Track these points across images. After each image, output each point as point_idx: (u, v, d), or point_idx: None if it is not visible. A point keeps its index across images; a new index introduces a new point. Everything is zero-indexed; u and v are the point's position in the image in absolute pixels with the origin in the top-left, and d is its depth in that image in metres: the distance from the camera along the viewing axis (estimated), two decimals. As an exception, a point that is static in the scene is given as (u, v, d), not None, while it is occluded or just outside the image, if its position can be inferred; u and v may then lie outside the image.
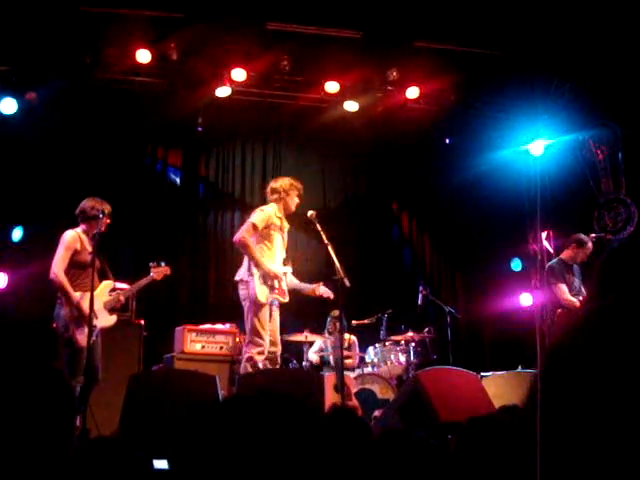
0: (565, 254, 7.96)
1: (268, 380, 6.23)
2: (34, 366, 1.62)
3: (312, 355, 9.13)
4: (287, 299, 6.96)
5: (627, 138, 9.24)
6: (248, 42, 8.88)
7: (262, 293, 6.68)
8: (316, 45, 9.03)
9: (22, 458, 1.42)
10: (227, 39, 8.78)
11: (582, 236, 7.99)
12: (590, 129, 9.51)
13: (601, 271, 1.70)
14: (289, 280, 7.05)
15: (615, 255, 1.72)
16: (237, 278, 6.92)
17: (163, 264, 6.98)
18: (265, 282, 6.72)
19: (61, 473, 1.48)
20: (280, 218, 7.00)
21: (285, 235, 7.10)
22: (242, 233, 6.81)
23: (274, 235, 6.92)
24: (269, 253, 6.88)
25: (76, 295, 6.23)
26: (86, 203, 6.48)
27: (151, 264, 6.97)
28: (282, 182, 7.08)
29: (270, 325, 6.82)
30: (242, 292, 6.82)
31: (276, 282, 6.80)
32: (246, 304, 6.78)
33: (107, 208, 6.45)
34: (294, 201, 7.05)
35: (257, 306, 6.68)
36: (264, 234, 6.86)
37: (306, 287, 7.20)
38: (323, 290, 7.12)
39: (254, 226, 6.79)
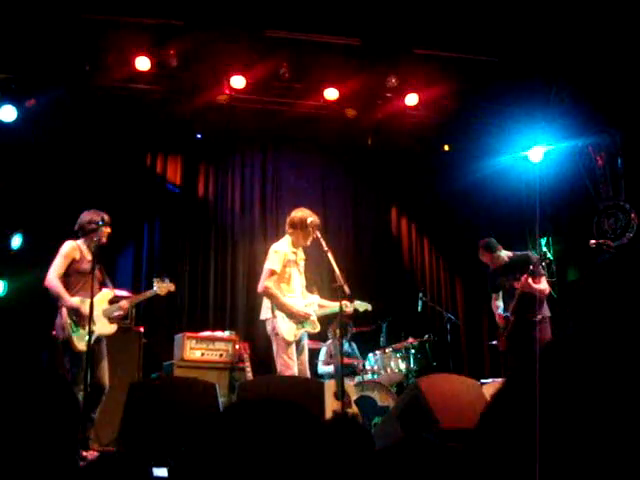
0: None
1: (268, 387, 6.22)
2: (36, 373, 1.61)
3: (322, 366, 9.11)
4: (318, 328, 7.02)
5: (626, 144, 9.25)
6: (247, 49, 8.89)
7: (289, 332, 6.72)
8: (315, 52, 9.05)
9: (25, 465, 1.41)
10: (226, 46, 8.79)
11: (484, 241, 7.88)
12: (589, 135, 9.52)
13: (588, 282, 1.70)
14: (317, 309, 7.04)
15: (603, 268, 1.72)
16: (262, 318, 6.96)
17: (167, 280, 6.98)
18: (291, 319, 6.77)
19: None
20: (295, 252, 6.98)
21: (301, 266, 7.07)
22: (264, 283, 6.79)
23: (291, 271, 6.91)
24: (289, 289, 6.90)
25: (74, 299, 6.25)
26: (83, 218, 6.52)
27: (155, 279, 6.98)
28: (301, 215, 6.96)
29: (301, 357, 6.86)
30: (268, 329, 6.86)
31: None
32: (274, 341, 6.80)
33: (105, 217, 6.46)
34: (309, 236, 6.92)
35: (285, 343, 6.71)
36: (281, 274, 6.85)
37: (335, 309, 6.96)
38: (353, 308, 7.16)
39: (272, 272, 6.79)
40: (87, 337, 6.05)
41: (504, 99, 9.76)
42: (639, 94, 8.50)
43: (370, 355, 9.03)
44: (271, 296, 6.80)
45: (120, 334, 6.96)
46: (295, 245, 6.99)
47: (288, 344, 6.70)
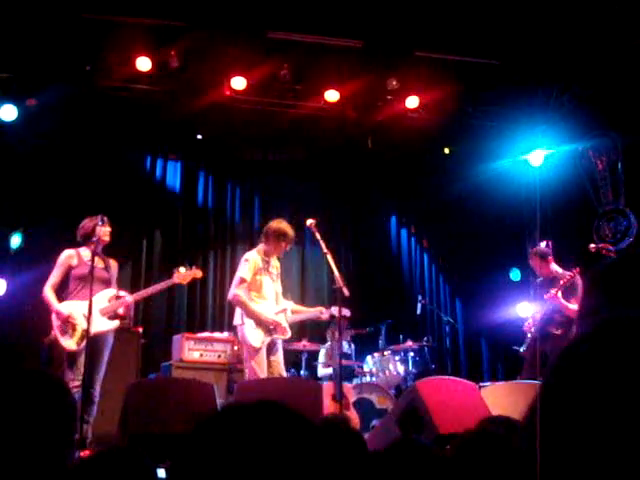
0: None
1: (266, 389, 6.22)
2: (32, 374, 1.61)
3: (322, 368, 9.14)
4: (289, 334, 7.09)
5: (627, 148, 9.24)
6: (248, 51, 8.89)
7: (256, 338, 6.83)
8: (316, 54, 9.04)
9: (22, 468, 1.41)
10: (227, 48, 8.79)
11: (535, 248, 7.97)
12: (590, 139, 9.51)
13: (602, 283, 1.69)
14: (290, 315, 7.20)
15: (616, 267, 1.71)
16: (234, 324, 7.14)
17: (194, 267, 7.05)
18: (259, 326, 6.88)
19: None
20: (267, 261, 7.12)
21: (275, 274, 7.20)
22: (234, 290, 6.97)
23: (262, 279, 7.04)
24: (260, 296, 7.03)
25: (60, 305, 6.44)
26: (79, 226, 6.67)
27: (175, 269, 7.02)
28: (275, 226, 7.13)
29: (275, 359, 6.95)
30: (239, 335, 7.07)
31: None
32: (243, 347, 7.03)
33: (96, 220, 6.52)
34: (280, 248, 7.13)
35: (253, 350, 6.83)
36: (252, 282, 6.99)
37: (310, 315, 7.48)
38: (330, 313, 7.29)
39: (243, 280, 6.95)
40: (77, 338, 6.18)
41: (504, 102, 9.76)
42: (639, 97, 8.50)
43: (369, 357, 9.03)
44: (240, 303, 6.93)
45: (119, 334, 6.97)
46: (267, 254, 7.13)
47: (256, 351, 6.80)
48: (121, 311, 6.67)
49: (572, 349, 0.99)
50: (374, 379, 8.71)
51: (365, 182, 11.30)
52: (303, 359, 8.72)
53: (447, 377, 7.10)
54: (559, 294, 7.28)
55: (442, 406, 5.55)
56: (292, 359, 9.03)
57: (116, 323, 6.66)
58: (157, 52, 8.72)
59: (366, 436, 4.86)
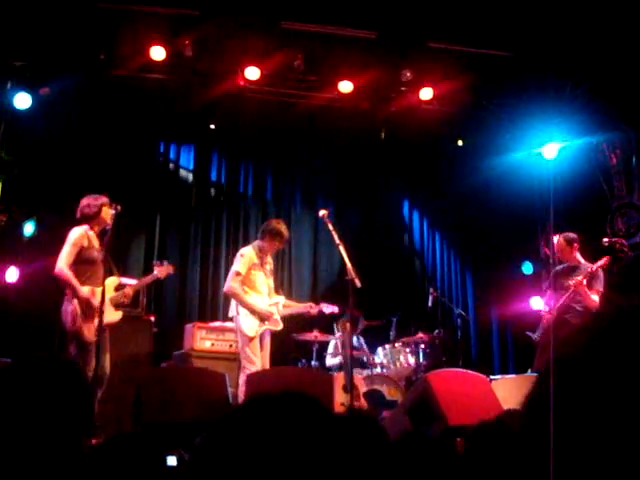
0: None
1: (277, 379, 6.24)
2: (49, 360, 1.62)
3: (330, 359, 9.17)
4: (281, 326, 7.44)
5: (641, 143, 9.19)
6: (262, 41, 8.88)
7: (250, 328, 7.17)
8: (330, 45, 9.02)
9: (38, 453, 1.42)
10: (241, 37, 8.78)
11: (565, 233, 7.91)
12: (604, 132, 9.45)
13: (622, 275, 1.69)
14: (282, 309, 7.54)
15: (631, 263, 1.71)
16: (229, 315, 7.51)
17: (166, 263, 7.19)
18: (253, 316, 7.24)
19: (78, 468, 1.48)
20: (261, 257, 7.48)
21: (268, 270, 7.56)
22: (229, 283, 7.35)
23: (255, 274, 7.42)
24: (254, 290, 7.39)
25: (85, 289, 6.26)
26: (82, 203, 6.55)
27: (154, 262, 7.20)
28: (273, 226, 7.53)
29: (262, 352, 7.24)
30: (235, 325, 7.38)
31: None
32: (239, 337, 7.30)
33: (104, 200, 6.47)
34: (274, 246, 7.55)
35: (247, 339, 7.16)
36: (246, 276, 7.35)
37: (300, 309, 7.83)
38: (319, 309, 7.76)
39: (238, 273, 7.32)
40: (96, 327, 6.09)
41: (518, 95, 9.70)
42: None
43: (380, 349, 9.03)
44: (235, 295, 7.31)
45: (131, 323, 6.99)
46: (262, 250, 7.51)
47: (250, 340, 7.14)
48: (122, 300, 6.67)
49: (575, 338, 1.00)
50: (385, 371, 8.72)
51: (378, 173, 11.27)
52: (314, 350, 8.73)
53: (458, 369, 7.10)
54: (584, 282, 7.28)
55: (452, 398, 5.55)
56: (303, 350, 9.05)
57: (120, 314, 6.65)
58: (171, 41, 8.72)
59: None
